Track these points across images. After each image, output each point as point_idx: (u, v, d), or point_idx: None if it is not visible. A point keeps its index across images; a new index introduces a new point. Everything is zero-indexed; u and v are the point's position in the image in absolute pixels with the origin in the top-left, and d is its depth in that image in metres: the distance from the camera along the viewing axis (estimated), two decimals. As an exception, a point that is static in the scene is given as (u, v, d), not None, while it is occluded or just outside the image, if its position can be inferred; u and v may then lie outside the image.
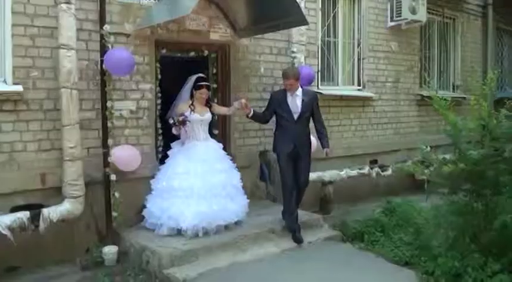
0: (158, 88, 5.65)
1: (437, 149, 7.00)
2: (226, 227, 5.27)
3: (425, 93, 8.75)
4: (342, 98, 7.53)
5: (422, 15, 7.97)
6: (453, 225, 4.67)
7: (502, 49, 11.00)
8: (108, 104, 5.01)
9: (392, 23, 8.07)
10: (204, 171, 5.22)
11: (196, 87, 5.41)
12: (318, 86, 7.11)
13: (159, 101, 5.68)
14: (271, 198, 6.61)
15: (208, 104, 5.57)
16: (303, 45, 6.63)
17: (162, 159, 5.65)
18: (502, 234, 4.35)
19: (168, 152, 5.53)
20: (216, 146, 5.60)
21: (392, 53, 8.25)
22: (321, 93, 7.01)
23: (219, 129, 6.29)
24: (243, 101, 5.39)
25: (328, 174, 7.00)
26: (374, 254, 5.15)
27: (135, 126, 5.41)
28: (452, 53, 9.65)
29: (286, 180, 5.46)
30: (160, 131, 5.72)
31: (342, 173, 7.20)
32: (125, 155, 5.11)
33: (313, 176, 6.68)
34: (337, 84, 7.60)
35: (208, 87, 5.51)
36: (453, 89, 9.61)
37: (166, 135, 5.78)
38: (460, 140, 4.58)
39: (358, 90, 7.87)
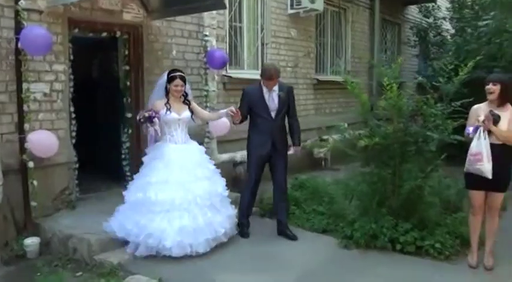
0: (70, 70, 5.52)
1: (330, 129, 7.80)
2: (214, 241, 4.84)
3: (321, 77, 9.57)
4: (248, 81, 7.88)
5: (320, 4, 8.64)
6: (366, 193, 5.33)
7: (385, 38, 12.22)
8: (24, 86, 4.83)
9: (292, 11, 8.62)
10: (185, 179, 4.72)
11: (169, 79, 4.97)
12: (226, 69, 7.41)
13: (71, 84, 5.55)
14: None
15: (186, 101, 5.13)
16: (214, 29, 6.88)
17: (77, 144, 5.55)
18: (408, 198, 5.08)
19: (143, 158, 5.06)
20: (196, 149, 5.11)
21: (291, 39, 8.82)
22: (230, 76, 7.36)
23: (132, 113, 6.29)
24: (233, 108, 5.09)
25: (240, 155, 7.35)
26: (292, 226, 5.59)
27: (49, 110, 5.28)
28: (343, 41, 10.57)
29: (252, 174, 5.33)
30: (73, 115, 5.60)
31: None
32: (43, 141, 4.96)
33: (225, 156, 7.07)
34: (244, 68, 7.98)
35: (183, 78, 5.01)
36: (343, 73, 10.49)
37: (80, 120, 5.69)
38: (370, 117, 5.24)
39: (262, 74, 8.31)
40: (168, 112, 4.90)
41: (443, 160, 5.07)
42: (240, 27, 7.88)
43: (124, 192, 4.90)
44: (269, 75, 5.20)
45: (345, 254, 4.88)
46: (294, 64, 8.95)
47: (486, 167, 4.14)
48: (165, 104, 4.94)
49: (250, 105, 5.25)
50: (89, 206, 5.62)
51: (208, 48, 6.72)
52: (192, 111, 5.12)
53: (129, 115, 6.31)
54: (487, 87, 4.32)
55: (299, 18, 8.84)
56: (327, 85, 9.71)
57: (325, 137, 8.93)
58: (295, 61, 8.95)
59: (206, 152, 6.63)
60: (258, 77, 8.02)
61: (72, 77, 5.56)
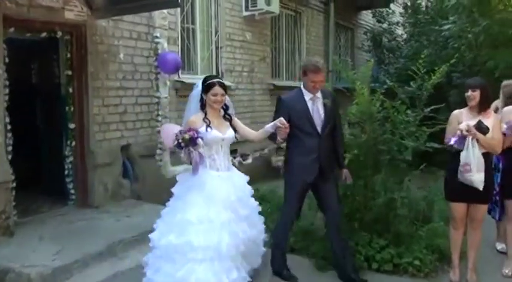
0: (5, 75, 4.92)
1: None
2: None
3: (277, 82, 9.32)
4: (202, 87, 7.52)
5: (275, 7, 8.41)
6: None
7: (339, 43, 12.16)
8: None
9: (247, 13, 8.34)
10: (229, 219, 3.77)
11: (205, 87, 3.96)
12: (179, 74, 6.98)
13: (7, 91, 4.95)
14: (136, 196, 6.31)
15: (227, 115, 4.12)
16: (165, 30, 6.44)
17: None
18: (381, 212, 4.83)
19: (173, 189, 4.00)
20: (241, 179, 4.10)
21: (247, 42, 8.52)
22: (183, 82, 6.93)
23: (76, 123, 5.79)
24: (282, 119, 3.92)
25: (193, 169, 6.94)
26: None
27: (-21, 121, 4.66)
28: (299, 45, 10.38)
29: (292, 208, 4.36)
30: (9, 127, 4.99)
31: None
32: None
33: (180, 169, 6.45)
34: (197, 73, 7.57)
35: (223, 86, 3.99)
36: (299, 79, 10.30)
37: (17, 132, 5.10)
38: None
39: (217, 79, 7.94)
40: (209, 129, 3.90)
41: (415, 167, 4.89)
42: (193, 29, 7.48)
43: (151, 235, 3.92)
44: (315, 65, 4.13)
45: (322, 278, 4.50)
46: (250, 69, 8.65)
47: (476, 177, 3.95)
48: (204, 120, 3.93)
49: (290, 117, 4.12)
50: (29, 232, 5.01)
51: (159, 51, 6.26)
52: (234, 129, 4.13)
53: (72, 126, 5.76)
54: (467, 94, 4.15)
55: (254, 20, 8.56)
56: (283, 90, 9.41)
57: (283, 145, 8.66)
58: (251, 66, 8.65)
59: (158, 165, 6.30)
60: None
61: (7, 83, 4.96)
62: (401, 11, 12.03)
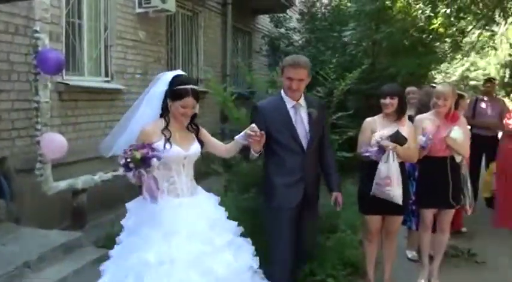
0: None
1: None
2: None
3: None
4: (89, 90, 6.84)
5: (172, 5, 7.96)
6: (237, 220, 4.69)
7: (237, 46, 11.94)
8: None
9: (140, 10, 7.77)
10: (199, 253, 2.98)
11: (174, 94, 3.13)
12: (63, 75, 6.25)
13: None
14: (13, 219, 5.46)
15: (192, 126, 3.32)
16: (47, 24, 5.69)
17: None
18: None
19: (123, 222, 3.24)
20: (209, 202, 3.32)
21: (140, 42, 7.96)
22: (67, 84, 6.22)
23: None
24: (255, 126, 3.20)
25: (81, 181, 6.25)
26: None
27: None
28: (196, 47, 9.98)
29: (284, 246, 3.56)
30: None
31: (96, 177, 6.55)
32: None
33: (63, 184, 5.92)
34: (84, 74, 6.88)
35: (196, 96, 3.17)
36: (197, 82, 9.90)
37: None
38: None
39: (106, 81, 7.31)
40: (168, 146, 3.11)
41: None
42: (80, 25, 6.76)
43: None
44: (293, 59, 3.58)
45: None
46: (144, 71, 8.07)
47: (396, 192, 3.83)
48: (163, 132, 3.14)
49: (268, 128, 3.44)
50: None
51: (39, 48, 5.50)
52: (202, 142, 3.35)
53: None
54: (384, 101, 4.02)
55: (148, 18, 8.00)
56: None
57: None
58: (144, 67, 8.08)
59: (38, 181, 5.53)
60: (103, 85, 7.16)
61: None
62: (298, 17, 12.14)
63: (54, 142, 5.20)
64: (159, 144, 3.07)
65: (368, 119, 4.16)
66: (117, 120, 7.36)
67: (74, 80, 6.49)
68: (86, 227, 6.14)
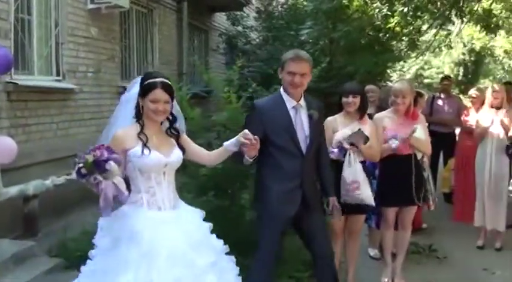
0: None
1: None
2: None
3: (128, 85, 8.59)
4: (40, 90, 6.56)
5: (125, 1, 7.74)
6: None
7: (193, 44, 11.79)
8: None
9: (92, 5, 7.51)
10: (182, 278, 2.67)
11: (143, 90, 2.86)
12: (11, 75, 5.95)
13: None
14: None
15: (172, 130, 3.02)
16: (-7, 19, 5.41)
17: None
18: (250, 231, 4.46)
19: (95, 240, 2.88)
20: (192, 217, 2.98)
21: (93, 39, 7.69)
22: (15, 83, 5.93)
23: None
24: (247, 132, 2.90)
25: (32, 186, 5.94)
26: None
27: None
28: (150, 45, 9.77)
29: (269, 251, 3.38)
30: None
31: (48, 182, 6.26)
32: None
33: (13, 190, 5.60)
34: (34, 73, 6.59)
35: (167, 88, 2.87)
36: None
37: None
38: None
39: (57, 81, 7.03)
40: (146, 151, 2.81)
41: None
42: (29, 21, 6.44)
43: None
44: (295, 53, 3.41)
45: None
46: (96, 69, 7.81)
47: (366, 193, 3.81)
48: (139, 136, 2.85)
49: (266, 130, 3.27)
50: None
51: (-15, 46, 5.22)
52: (183, 149, 3.04)
53: None
54: (347, 99, 4.00)
55: (101, 15, 7.74)
56: (135, 94, 8.78)
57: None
58: (97, 65, 7.82)
59: None
60: (54, 84, 6.87)
61: None
62: (255, 15, 12.10)
63: (3, 145, 4.93)
64: (136, 149, 2.80)
65: (329, 118, 4.09)
66: (70, 121, 7.23)
67: (23, 79, 6.18)
68: (38, 236, 5.87)
